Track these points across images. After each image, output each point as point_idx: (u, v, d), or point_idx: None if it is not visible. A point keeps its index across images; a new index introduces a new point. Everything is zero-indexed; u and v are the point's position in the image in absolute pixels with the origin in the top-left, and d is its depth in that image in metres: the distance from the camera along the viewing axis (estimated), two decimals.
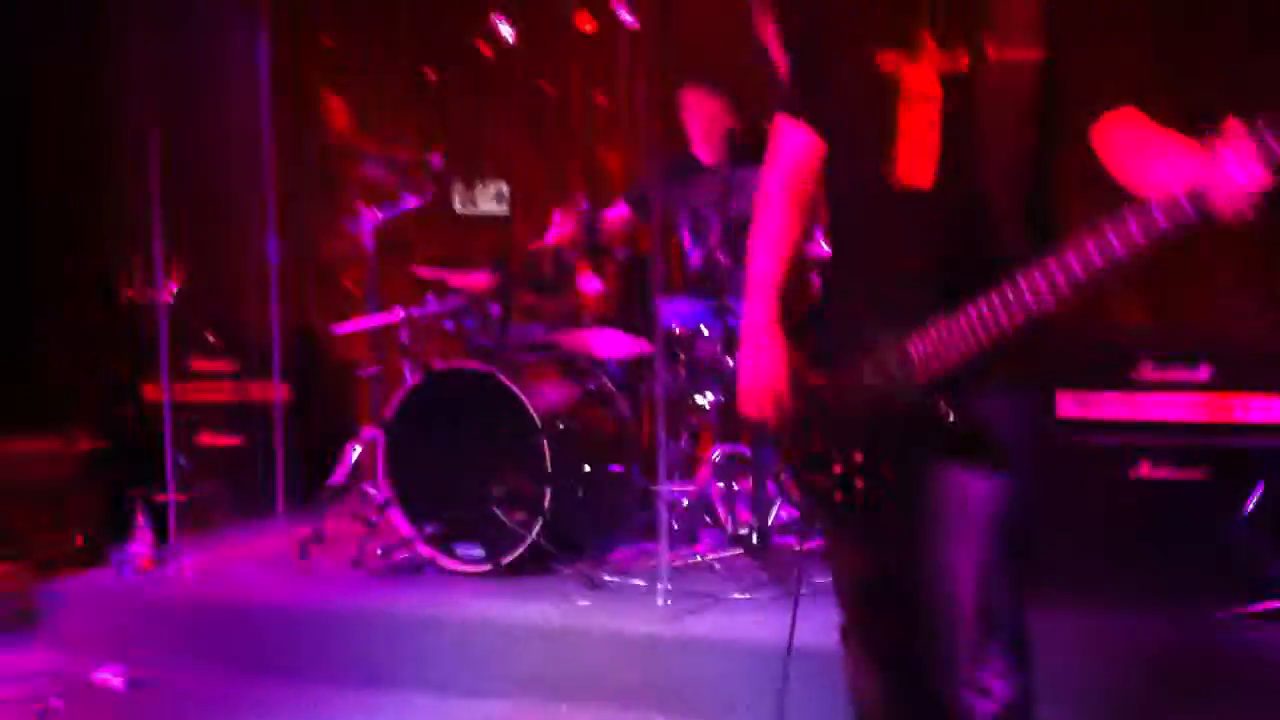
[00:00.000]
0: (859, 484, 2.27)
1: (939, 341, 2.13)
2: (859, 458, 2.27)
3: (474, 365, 4.45)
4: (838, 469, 2.29)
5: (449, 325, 4.84)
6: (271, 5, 4.78)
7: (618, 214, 5.02)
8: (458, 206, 6.12)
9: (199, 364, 5.64)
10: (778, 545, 4.19)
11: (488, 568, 4.31)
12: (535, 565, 4.31)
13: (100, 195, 5.90)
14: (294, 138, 5.69)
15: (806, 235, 2.54)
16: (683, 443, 4.64)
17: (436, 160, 4.98)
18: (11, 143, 6.19)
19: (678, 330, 4.60)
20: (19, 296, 6.21)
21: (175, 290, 4.99)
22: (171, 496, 4.94)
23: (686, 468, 4.56)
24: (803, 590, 3.11)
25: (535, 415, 4.27)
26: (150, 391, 5.25)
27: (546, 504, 4.21)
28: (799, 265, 2.46)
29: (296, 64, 5.94)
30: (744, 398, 2.43)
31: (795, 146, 2.44)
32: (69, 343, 6.10)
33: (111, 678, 4.09)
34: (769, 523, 4.23)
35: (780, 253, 2.44)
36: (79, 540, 5.16)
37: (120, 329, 5.43)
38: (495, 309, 4.79)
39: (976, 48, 2.15)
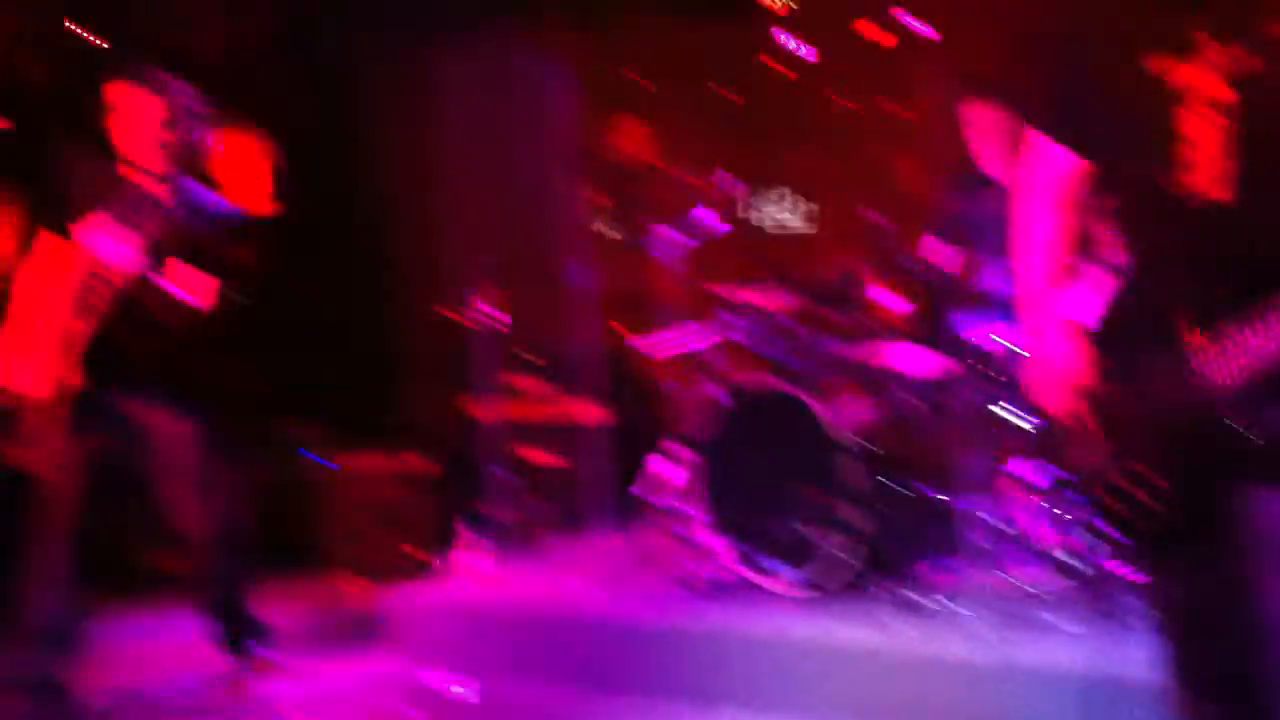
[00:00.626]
0: (1154, 506, 2.18)
1: (1237, 353, 2.04)
2: (1151, 476, 2.18)
3: (778, 384, 4.54)
4: (1130, 487, 2.21)
5: (751, 343, 4.92)
6: (575, 44, 4.99)
7: (935, 250, 4.96)
8: (758, 222, 6.21)
9: (521, 383, 5.97)
10: (1100, 572, 4.10)
11: (798, 586, 4.40)
12: (848, 585, 4.36)
13: (428, 228, 6.29)
14: (601, 166, 5.90)
15: (1072, 250, 2.46)
16: (993, 462, 4.58)
17: (733, 179, 5.07)
18: (363, 186, 6.68)
19: (982, 345, 4.55)
20: (362, 326, 6.69)
21: (497, 315, 5.28)
22: (498, 512, 5.25)
23: (998, 488, 4.50)
24: (1129, 620, 3.03)
25: (841, 434, 4.32)
26: (477, 411, 5.58)
27: (858, 524, 4.26)
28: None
29: (600, 95, 6.16)
30: (1037, 390, 2.36)
31: (1055, 165, 2.38)
32: (403, 366, 6.53)
33: (448, 684, 4.38)
34: (1090, 548, 4.13)
35: (1054, 257, 2.39)
36: (415, 553, 5.54)
37: (448, 352, 5.78)
38: (796, 326, 4.85)
39: (1261, 39, 2.03)
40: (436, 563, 5.16)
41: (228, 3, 6.56)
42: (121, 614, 5.25)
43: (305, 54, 6.83)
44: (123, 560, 5.30)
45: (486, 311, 5.28)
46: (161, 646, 4.96)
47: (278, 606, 5.25)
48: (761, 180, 6.13)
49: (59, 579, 4.09)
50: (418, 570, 5.35)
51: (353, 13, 6.64)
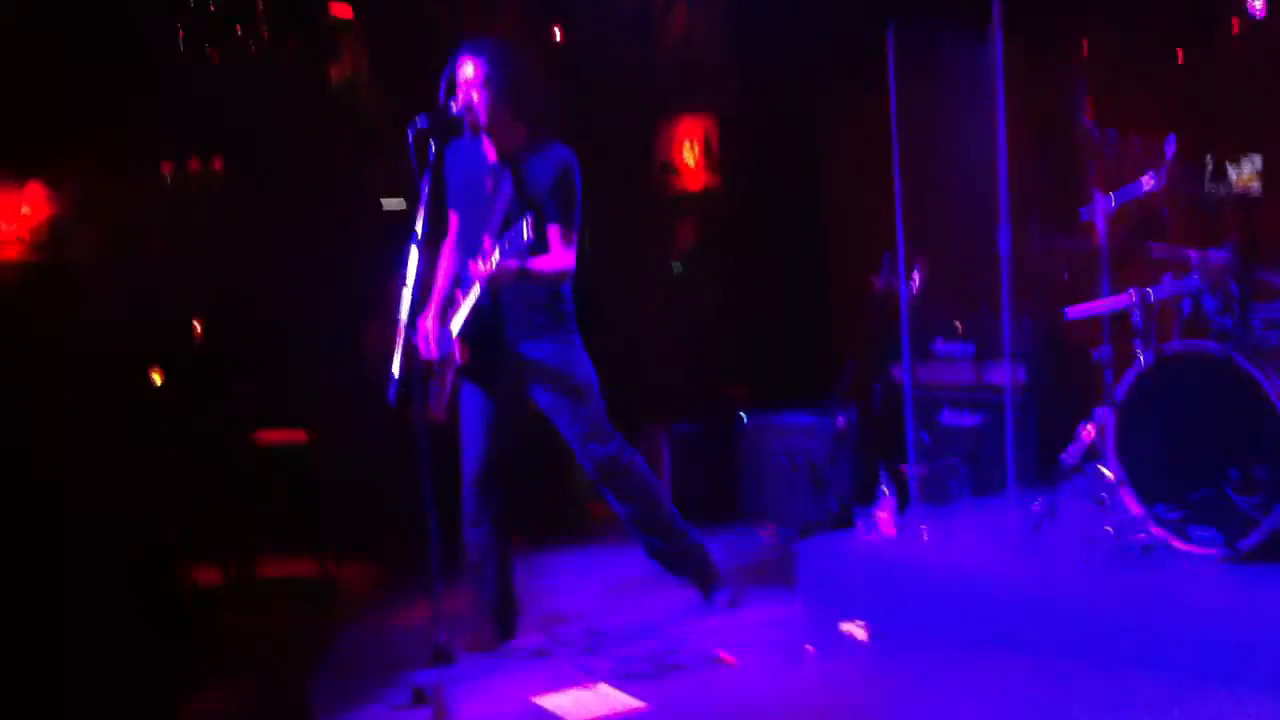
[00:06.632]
0: None
1: None
2: None
3: (1209, 347, 4.34)
4: None
5: (1186, 306, 4.72)
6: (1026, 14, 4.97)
7: None
8: (1207, 186, 5.88)
9: (941, 347, 6.03)
10: None
11: (1222, 553, 4.19)
12: (1275, 553, 4.11)
13: (863, 198, 6.45)
14: (1031, 128, 5.82)
15: None
16: None
17: (1174, 142, 4.88)
18: (803, 159, 6.97)
19: None
20: (796, 292, 6.97)
21: (919, 280, 5.37)
22: (913, 469, 5.34)
23: None
24: None
25: (1277, 398, 4.08)
26: (897, 372, 5.70)
27: None
28: None
29: (1037, 56, 6.05)
30: None
31: None
32: (833, 331, 6.73)
33: (856, 628, 4.53)
34: None
35: None
36: (833, 505, 5.73)
37: (874, 316, 5.93)
38: (1235, 288, 4.60)
39: None
40: (851, 513, 5.30)
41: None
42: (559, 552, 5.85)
43: (755, 45, 7.18)
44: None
45: (909, 278, 5.37)
46: (594, 582, 5.48)
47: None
48: (1215, 141, 5.79)
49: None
50: (834, 520, 5.53)
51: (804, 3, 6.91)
